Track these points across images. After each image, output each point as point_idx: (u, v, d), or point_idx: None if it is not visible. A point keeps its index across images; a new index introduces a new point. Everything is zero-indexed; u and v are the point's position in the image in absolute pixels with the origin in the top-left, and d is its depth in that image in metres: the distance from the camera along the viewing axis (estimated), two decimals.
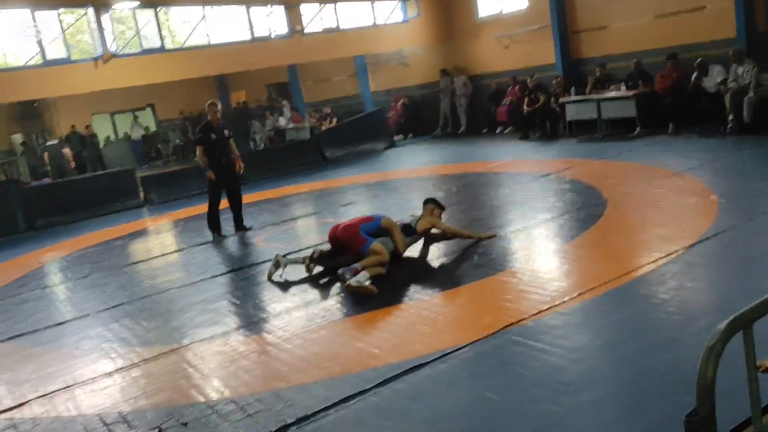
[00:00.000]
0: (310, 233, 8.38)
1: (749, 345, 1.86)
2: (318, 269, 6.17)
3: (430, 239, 6.60)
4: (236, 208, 8.67)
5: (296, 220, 9.37)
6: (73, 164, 17.15)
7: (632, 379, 3.44)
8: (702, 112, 10.94)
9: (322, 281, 6.01)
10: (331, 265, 6.05)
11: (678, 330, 3.92)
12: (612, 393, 3.36)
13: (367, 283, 5.38)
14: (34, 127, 23.44)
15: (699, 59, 11.09)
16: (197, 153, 8.54)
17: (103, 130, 23.02)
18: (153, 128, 24.59)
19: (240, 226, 8.67)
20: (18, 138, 23.04)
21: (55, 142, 20.80)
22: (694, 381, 3.22)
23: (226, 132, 8.50)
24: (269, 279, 6.19)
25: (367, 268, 5.56)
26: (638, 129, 11.60)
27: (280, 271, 6.22)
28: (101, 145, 21.11)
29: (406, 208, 8.63)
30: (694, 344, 3.67)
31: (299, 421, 3.52)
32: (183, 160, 22.09)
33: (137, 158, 22.40)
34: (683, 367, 3.46)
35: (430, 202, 6.60)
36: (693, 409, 1.79)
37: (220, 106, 8.51)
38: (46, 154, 17.18)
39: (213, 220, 8.48)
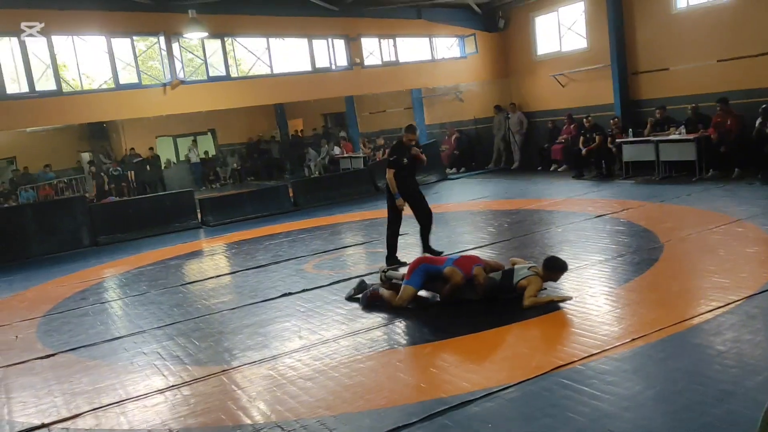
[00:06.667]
0: (359, 262, 8.45)
1: None
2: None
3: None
4: (424, 228, 8.06)
5: (347, 249, 9.47)
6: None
7: None
8: (766, 157, 10.65)
9: (370, 311, 6.08)
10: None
11: (734, 384, 3.80)
12: None
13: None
14: (101, 147, 24.55)
15: (764, 105, 10.84)
16: (387, 176, 7.88)
17: (165, 152, 23.95)
18: (212, 152, 25.40)
19: (427, 248, 7.99)
20: (86, 157, 24.13)
21: (108, 162, 21.95)
22: None
23: (414, 149, 7.92)
24: (382, 279, 6.38)
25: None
26: (702, 173, 11.38)
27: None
28: (162, 167, 21.99)
29: (456, 242, 8.69)
30: (752, 399, 3.58)
31: None
32: (240, 184, 22.71)
33: (196, 180, 23.16)
34: (739, 423, 3.36)
35: (548, 264, 5.80)
36: None
37: (418, 133, 8.07)
38: (131, 173, 19.68)
39: (392, 243, 7.99)
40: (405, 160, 7.84)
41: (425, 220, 8.06)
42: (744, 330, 4.61)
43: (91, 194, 19.15)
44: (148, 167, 20.09)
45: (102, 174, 20.98)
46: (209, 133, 25.99)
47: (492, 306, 5.83)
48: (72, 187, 21.43)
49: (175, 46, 13.34)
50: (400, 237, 8.05)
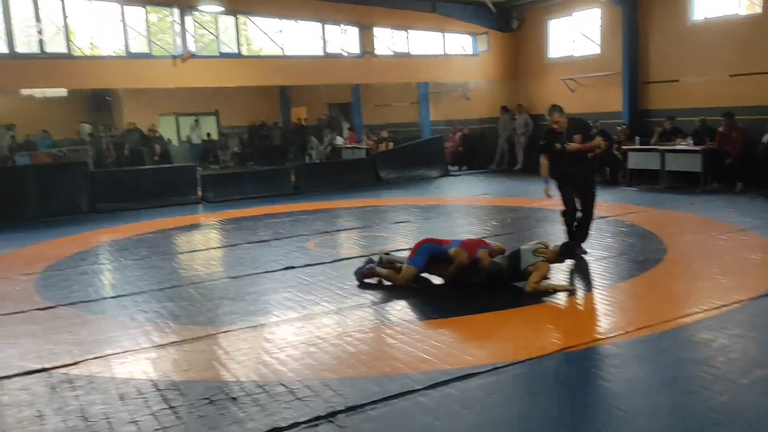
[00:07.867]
0: (362, 244, 8.43)
1: None
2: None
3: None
4: (583, 221, 7.38)
5: (349, 231, 9.45)
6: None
7: (690, 415, 3.36)
8: None
9: (376, 286, 6.07)
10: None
11: (739, 374, 3.82)
12: (670, 425, 3.27)
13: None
14: (102, 120, 24.39)
15: None
16: (540, 160, 7.38)
17: (166, 131, 23.78)
18: (214, 134, 25.25)
19: (576, 236, 7.26)
20: (86, 128, 23.98)
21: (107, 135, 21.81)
22: (753, 426, 3.16)
23: (575, 137, 7.10)
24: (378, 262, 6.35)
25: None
26: (705, 185, 11.41)
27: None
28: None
29: (458, 233, 8.68)
30: (755, 390, 3.60)
31: (348, 409, 3.54)
32: (240, 167, 22.60)
33: (196, 160, 23.01)
34: (742, 411, 3.38)
35: (566, 250, 5.84)
36: None
37: (558, 117, 7.12)
38: (157, 147, 19.50)
39: (568, 225, 7.40)
40: (558, 146, 7.12)
41: (585, 212, 7.34)
42: (749, 327, 4.63)
43: (110, 160, 19.31)
44: (148, 143, 20.13)
45: (103, 145, 20.84)
46: (213, 115, 25.85)
47: (495, 289, 5.83)
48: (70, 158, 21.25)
49: (188, 19, 13.28)
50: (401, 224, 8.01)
